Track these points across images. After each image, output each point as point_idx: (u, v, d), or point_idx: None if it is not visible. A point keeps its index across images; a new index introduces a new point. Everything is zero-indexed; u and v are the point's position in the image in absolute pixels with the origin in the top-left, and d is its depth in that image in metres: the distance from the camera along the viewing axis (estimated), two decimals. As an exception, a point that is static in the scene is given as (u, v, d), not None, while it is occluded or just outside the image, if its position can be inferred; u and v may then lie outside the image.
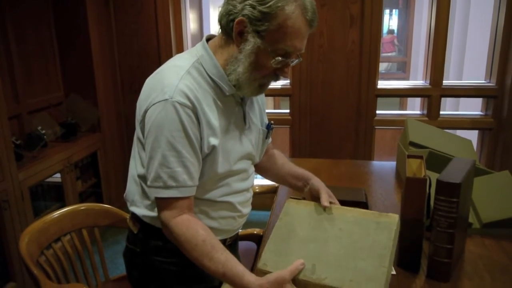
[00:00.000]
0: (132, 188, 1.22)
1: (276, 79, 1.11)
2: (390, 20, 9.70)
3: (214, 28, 6.92)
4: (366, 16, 2.98)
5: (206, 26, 6.08)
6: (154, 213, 1.15)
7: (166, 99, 1.02)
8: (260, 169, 1.42)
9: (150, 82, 1.11)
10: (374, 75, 3.08)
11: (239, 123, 1.18)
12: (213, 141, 1.08)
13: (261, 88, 1.12)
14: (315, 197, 1.23)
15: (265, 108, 1.34)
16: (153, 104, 1.04)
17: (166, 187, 1.04)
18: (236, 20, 1.02)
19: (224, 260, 1.01)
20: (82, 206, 1.57)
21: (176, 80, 1.04)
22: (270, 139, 1.37)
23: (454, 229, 1.17)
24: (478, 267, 1.29)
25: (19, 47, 2.69)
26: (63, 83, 3.15)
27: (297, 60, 1.08)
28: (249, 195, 1.30)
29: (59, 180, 2.75)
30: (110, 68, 3.30)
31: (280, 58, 1.03)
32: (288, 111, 3.27)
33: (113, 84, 3.34)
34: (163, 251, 1.19)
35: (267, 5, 0.98)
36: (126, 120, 3.42)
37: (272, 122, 1.32)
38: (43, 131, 2.64)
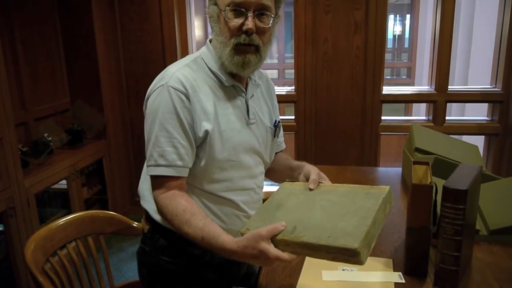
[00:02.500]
0: (143, 183, 1.26)
1: (246, 36, 1.10)
2: (395, 26, 9.70)
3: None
4: (370, 22, 2.98)
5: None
6: None
7: (163, 85, 1.10)
8: (269, 175, 1.42)
9: (156, 77, 1.19)
10: (379, 80, 3.07)
11: (242, 115, 1.21)
12: (206, 125, 1.11)
13: (239, 54, 1.12)
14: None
15: (275, 105, 1.37)
16: (154, 91, 1.12)
17: (157, 165, 1.09)
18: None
19: (202, 225, 1.02)
20: (88, 213, 1.57)
21: (174, 70, 1.13)
22: (283, 145, 1.41)
23: (461, 236, 1.16)
24: (486, 275, 1.28)
25: (26, 55, 2.71)
26: (69, 90, 3.17)
27: (268, 17, 1.11)
28: (256, 196, 1.29)
29: (65, 187, 2.76)
30: (115, 75, 3.32)
31: (228, 8, 1.08)
32: (293, 117, 3.27)
33: (118, 91, 3.36)
34: (168, 250, 1.22)
35: None
36: (132, 127, 3.43)
37: (279, 120, 1.34)
38: (49, 138, 2.65)
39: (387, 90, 3.17)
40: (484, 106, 3.26)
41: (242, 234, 1.01)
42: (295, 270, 1.31)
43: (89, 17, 3.03)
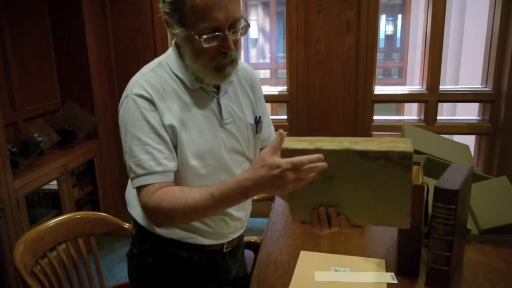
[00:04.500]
0: (130, 189, 1.25)
1: (225, 56, 1.06)
2: (387, 26, 9.75)
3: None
4: (362, 22, 2.99)
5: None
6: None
7: (127, 95, 1.08)
8: None
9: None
10: (370, 80, 3.08)
11: (212, 117, 1.15)
12: (172, 121, 1.07)
13: (219, 71, 1.08)
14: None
15: (261, 103, 1.30)
16: (121, 104, 1.10)
17: (137, 175, 1.05)
18: (162, 20, 1.07)
19: (206, 187, 1.01)
20: (78, 214, 1.56)
21: (138, 78, 1.10)
22: (272, 136, 1.32)
23: (453, 236, 1.16)
24: (477, 275, 1.28)
25: (16, 54, 2.68)
26: (60, 90, 3.14)
27: (242, 28, 1.06)
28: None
29: (56, 187, 2.73)
30: (107, 75, 3.29)
31: (204, 36, 1.00)
32: (285, 117, 3.27)
33: (110, 91, 3.33)
34: (155, 253, 1.22)
35: None
36: (123, 127, 3.41)
37: (260, 116, 1.27)
38: (40, 139, 2.62)
39: (379, 90, 3.18)
40: (475, 106, 3.29)
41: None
42: (287, 272, 1.31)
43: (79, 16, 3.00)
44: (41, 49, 2.97)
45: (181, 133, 1.09)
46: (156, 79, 1.10)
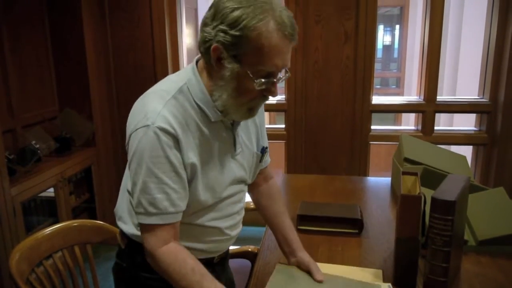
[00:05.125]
0: (122, 204, 1.21)
1: (265, 99, 1.06)
2: (384, 36, 9.81)
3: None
4: (360, 32, 3.01)
5: (202, 41, 6.11)
6: (140, 233, 1.12)
7: (148, 125, 0.99)
8: (255, 203, 1.39)
9: (136, 106, 1.08)
10: (368, 90, 3.10)
11: (227, 149, 1.14)
12: (194, 159, 1.05)
13: (251, 111, 1.08)
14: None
15: (264, 129, 1.29)
16: (136, 130, 1.01)
17: (147, 213, 1.02)
18: (211, 47, 0.97)
19: (216, 285, 1.01)
20: (75, 222, 1.55)
21: (160, 106, 1.01)
22: (268, 160, 1.35)
23: (450, 247, 1.16)
24: (474, 286, 1.28)
25: (14, 61, 2.69)
26: (58, 97, 3.14)
27: (284, 76, 1.04)
28: (239, 217, 1.27)
29: (53, 195, 2.72)
30: (105, 82, 3.30)
31: (262, 80, 0.99)
32: (283, 126, 3.28)
33: (108, 98, 3.34)
34: (149, 267, 1.16)
35: (238, 28, 0.93)
36: (121, 134, 3.40)
37: (266, 146, 1.28)
38: (37, 146, 2.62)
39: (376, 100, 3.19)
40: (472, 117, 3.30)
41: None
42: (284, 281, 1.30)
43: (79, 23, 3.01)
44: (40, 56, 2.98)
45: (199, 170, 1.07)
46: (180, 110, 1.03)
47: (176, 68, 3.32)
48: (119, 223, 1.23)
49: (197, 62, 1.10)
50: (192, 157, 1.05)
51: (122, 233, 1.22)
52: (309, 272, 1.21)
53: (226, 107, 1.04)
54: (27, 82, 2.83)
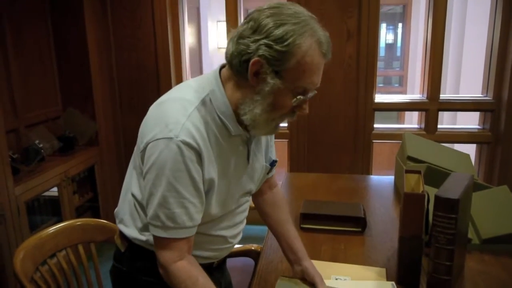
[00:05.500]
0: (124, 206, 1.20)
1: (293, 116, 1.05)
2: (387, 34, 9.78)
3: (212, 42, 6.96)
4: (362, 31, 3.00)
5: (204, 40, 6.12)
6: (143, 237, 1.12)
7: (171, 138, 0.96)
8: (259, 211, 1.38)
9: (156, 112, 1.04)
10: (371, 89, 3.09)
11: (242, 163, 1.13)
12: (213, 174, 1.04)
13: (277, 127, 1.07)
14: (305, 279, 1.23)
15: (273, 142, 1.29)
16: (156, 139, 0.97)
17: (164, 227, 1.00)
18: (252, 61, 0.95)
19: None
20: (78, 221, 1.56)
21: (183, 118, 0.98)
22: (274, 171, 1.34)
23: (453, 245, 1.16)
24: (478, 284, 1.28)
25: (17, 61, 2.69)
26: (61, 97, 3.15)
27: (312, 94, 1.03)
28: (242, 226, 1.28)
29: (56, 194, 2.73)
30: (108, 82, 3.31)
31: (301, 97, 0.99)
32: (286, 125, 3.27)
33: (111, 98, 3.34)
34: (151, 271, 1.16)
35: (285, 43, 0.92)
36: (124, 134, 3.41)
37: (276, 160, 1.27)
38: (41, 145, 2.63)
39: (379, 98, 3.19)
40: (476, 115, 3.29)
41: None
42: (288, 280, 1.30)
43: (81, 23, 3.02)
44: (43, 55, 2.98)
45: (216, 185, 1.06)
46: (202, 124, 1.01)
47: (178, 67, 3.32)
48: (120, 226, 1.21)
49: (220, 71, 1.07)
50: (212, 172, 1.04)
51: (123, 236, 1.21)
52: (312, 284, 1.19)
53: (255, 121, 1.02)
54: (30, 82, 2.84)
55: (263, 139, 1.22)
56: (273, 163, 1.26)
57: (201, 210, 1.05)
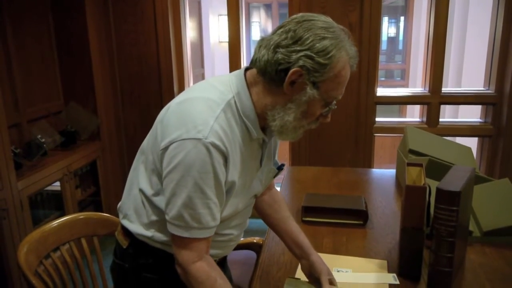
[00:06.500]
0: (128, 201, 1.19)
1: (317, 123, 1.09)
2: (389, 28, 9.74)
3: (213, 36, 6.95)
4: (364, 24, 2.99)
5: (205, 34, 6.11)
6: (149, 233, 1.12)
7: (200, 139, 0.95)
8: (260, 212, 1.38)
9: (179, 110, 1.03)
10: (373, 82, 3.08)
11: (256, 166, 1.15)
12: (235, 177, 1.06)
13: (302, 133, 1.10)
14: (312, 274, 1.22)
15: (278, 145, 1.30)
16: (183, 139, 0.96)
17: (188, 227, 1.01)
18: (292, 70, 0.97)
19: None
20: (81, 215, 1.56)
21: (211, 119, 0.98)
22: (279, 175, 1.35)
23: (455, 238, 1.17)
24: (479, 276, 1.29)
25: (19, 56, 2.70)
26: (63, 91, 3.16)
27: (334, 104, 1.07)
28: (246, 224, 1.29)
29: (59, 188, 2.74)
30: (109, 76, 3.31)
31: (331, 106, 1.04)
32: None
33: (112, 92, 3.35)
34: (153, 268, 1.17)
35: (328, 56, 0.96)
36: (126, 128, 3.42)
37: (284, 163, 1.28)
38: (43, 140, 2.64)
39: (381, 92, 3.18)
40: (478, 108, 3.28)
41: None
42: (290, 272, 1.31)
43: (82, 18, 3.02)
44: (44, 50, 2.98)
45: (235, 188, 1.07)
46: (228, 126, 1.01)
47: (179, 61, 3.32)
48: (124, 221, 1.20)
49: (245, 73, 1.08)
50: (234, 175, 1.05)
51: (125, 231, 1.20)
52: (318, 282, 1.19)
53: (284, 127, 1.04)
54: (32, 76, 2.84)
55: (273, 142, 1.23)
56: (280, 167, 1.26)
57: (221, 209, 1.06)
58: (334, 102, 1.05)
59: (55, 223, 1.47)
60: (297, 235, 1.30)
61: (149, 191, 1.10)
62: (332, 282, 1.17)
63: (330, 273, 1.19)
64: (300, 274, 1.28)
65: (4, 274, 2.27)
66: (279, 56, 0.98)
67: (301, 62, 0.96)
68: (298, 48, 0.97)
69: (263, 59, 1.01)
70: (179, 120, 1.00)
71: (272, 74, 1.00)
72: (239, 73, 1.08)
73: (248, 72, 1.07)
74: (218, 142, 0.97)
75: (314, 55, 0.96)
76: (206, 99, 1.02)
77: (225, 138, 0.99)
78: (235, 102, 1.04)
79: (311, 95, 0.99)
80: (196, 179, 0.97)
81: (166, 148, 0.99)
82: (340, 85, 1.02)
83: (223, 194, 1.04)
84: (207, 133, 0.96)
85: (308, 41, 0.96)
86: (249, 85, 1.05)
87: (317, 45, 0.96)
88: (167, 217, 1.03)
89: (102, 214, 1.62)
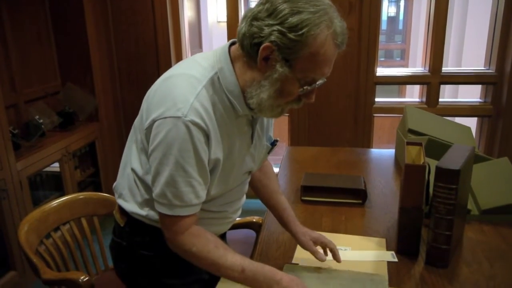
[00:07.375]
0: (122, 181, 1.19)
1: (299, 103, 1.04)
2: (389, 7, 9.64)
3: (211, 15, 6.86)
4: (364, 3, 2.95)
5: (203, 13, 6.03)
6: (143, 212, 1.12)
7: (179, 117, 0.94)
8: (251, 187, 1.37)
9: (162, 88, 1.02)
10: (373, 62, 3.06)
11: (246, 143, 1.12)
12: (219, 154, 1.04)
13: (283, 111, 1.05)
14: (307, 245, 1.23)
15: (273, 120, 1.27)
16: (164, 118, 0.95)
17: (171, 205, 1.00)
18: (263, 45, 0.92)
19: (240, 258, 1.02)
20: (81, 195, 1.57)
21: (191, 96, 0.96)
22: (273, 151, 1.33)
23: (453, 215, 1.17)
24: (477, 254, 1.30)
25: (15, 36, 2.66)
26: (60, 72, 3.13)
27: (322, 82, 0.99)
28: (242, 200, 1.29)
29: (58, 169, 2.74)
30: (107, 56, 3.27)
31: (308, 87, 0.97)
32: (286, 99, 3.26)
33: (110, 72, 3.32)
34: (150, 245, 1.17)
35: (299, 32, 0.89)
36: (124, 108, 3.40)
37: (277, 139, 1.26)
38: (41, 120, 2.62)
39: (381, 72, 3.16)
40: (478, 88, 3.27)
41: None
42: (289, 250, 1.32)
43: (79, -3, 2.97)
44: (41, 30, 2.94)
45: (220, 165, 1.06)
46: (210, 103, 0.99)
47: (177, 41, 3.28)
48: (119, 201, 1.20)
49: (230, 49, 1.03)
50: (218, 152, 1.03)
51: (122, 210, 1.21)
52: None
53: (261, 105, 1.00)
54: (29, 57, 2.81)
55: (265, 118, 1.21)
56: (274, 143, 1.25)
57: (205, 187, 1.04)
58: (320, 82, 0.98)
59: (55, 203, 1.48)
60: (282, 210, 1.32)
61: (140, 170, 1.10)
62: (327, 244, 1.21)
63: (320, 238, 1.22)
64: (299, 252, 1.29)
65: (5, 253, 2.28)
66: (254, 29, 0.93)
67: (272, 37, 0.91)
68: (271, 22, 0.91)
69: (241, 32, 0.97)
70: (161, 98, 0.99)
71: (248, 48, 0.96)
72: (223, 47, 1.04)
73: (233, 47, 1.04)
74: (198, 120, 0.95)
75: (285, 31, 0.90)
76: (189, 76, 1.00)
77: (206, 116, 0.97)
78: (218, 78, 1.01)
79: (282, 73, 0.93)
80: (177, 157, 0.96)
81: (150, 127, 0.99)
82: (319, 65, 0.94)
83: (206, 171, 1.02)
84: (186, 111, 0.94)
85: (281, 15, 0.90)
86: (233, 60, 1.02)
87: (290, 19, 0.89)
88: (153, 195, 1.03)
89: (102, 194, 1.63)
